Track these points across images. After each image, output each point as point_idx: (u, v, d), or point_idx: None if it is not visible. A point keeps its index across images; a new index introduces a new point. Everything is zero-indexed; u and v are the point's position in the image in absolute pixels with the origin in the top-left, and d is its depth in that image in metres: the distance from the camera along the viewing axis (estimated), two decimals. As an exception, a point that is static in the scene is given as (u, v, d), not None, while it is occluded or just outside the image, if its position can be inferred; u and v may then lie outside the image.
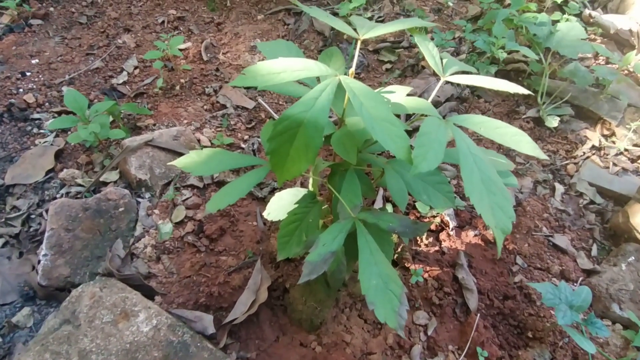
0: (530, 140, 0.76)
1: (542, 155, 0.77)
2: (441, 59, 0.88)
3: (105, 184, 1.62)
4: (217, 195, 0.91)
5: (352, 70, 0.86)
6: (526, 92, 0.86)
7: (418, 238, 1.59)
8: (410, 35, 2.24)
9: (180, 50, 2.15)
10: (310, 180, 1.16)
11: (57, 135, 1.75)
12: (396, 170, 0.96)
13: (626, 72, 2.17)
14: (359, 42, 0.89)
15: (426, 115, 0.78)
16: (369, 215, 0.83)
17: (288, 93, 0.93)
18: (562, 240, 1.65)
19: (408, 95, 0.97)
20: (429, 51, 0.87)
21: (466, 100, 2.08)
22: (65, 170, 1.63)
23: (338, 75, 0.77)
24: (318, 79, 0.92)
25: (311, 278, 0.69)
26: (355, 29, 0.91)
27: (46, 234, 1.38)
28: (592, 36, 2.32)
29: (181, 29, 2.29)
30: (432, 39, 2.22)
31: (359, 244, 0.75)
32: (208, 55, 2.17)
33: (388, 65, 2.23)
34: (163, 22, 2.30)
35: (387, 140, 0.69)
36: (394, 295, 0.68)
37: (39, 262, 1.35)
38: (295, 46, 0.98)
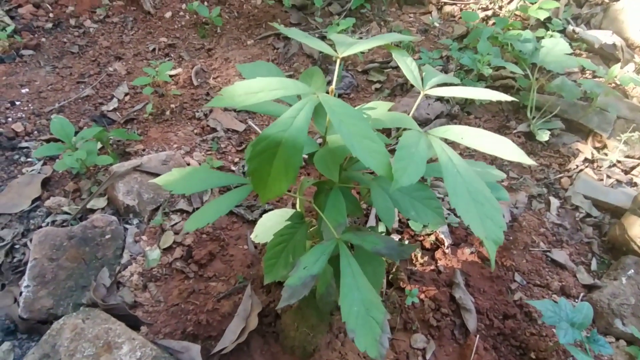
0: (514, 147, 0.74)
1: (529, 161, 0.74)
2: (419, 70, 0.87)
3: (92, 211, 1.59)
4: (196, 214, 0.89)
5: (332, 87, 0.85)
6: (510, 98, 0.84)
7: (413, 257, 1.55)
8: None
9: (171, 76, 2.16)
10: (297, 200, 1.14)
11: (44, 164, 1.73)
12: (382, 187, 0.94)
13: (613, 85, 2.19)
14: (338, 60, 0.89)
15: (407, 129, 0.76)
16: (353, 236, 0.80)
17: (269, 113, 0.92)
18: (560, 255, 1.61)
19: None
20: (406, 65, 0.87)
21: (456, 116, 2.08)
22: (51, 198, 1.60)
23: (317, 93, 0.76)
24: (299, 98, 0.91)
25: (290, 303, 0.65)
26: (334, 48, 0.91)
27: (29, 264, 1.35)
28: (577, 51, 2.36)
29: (172, 55, 2.32)
30: (420, 58, 2.24)
31: (341, 267, 0.71)
32: (198, 80, 2.19)
33: (377, 85, 2.24)
34: (154, 49, 2.33)
35: (367, 156, 0.67)
36: (375, 322, 0.64)
37: (20, 293, 1.31)
38: (275, 67, 0.98)
